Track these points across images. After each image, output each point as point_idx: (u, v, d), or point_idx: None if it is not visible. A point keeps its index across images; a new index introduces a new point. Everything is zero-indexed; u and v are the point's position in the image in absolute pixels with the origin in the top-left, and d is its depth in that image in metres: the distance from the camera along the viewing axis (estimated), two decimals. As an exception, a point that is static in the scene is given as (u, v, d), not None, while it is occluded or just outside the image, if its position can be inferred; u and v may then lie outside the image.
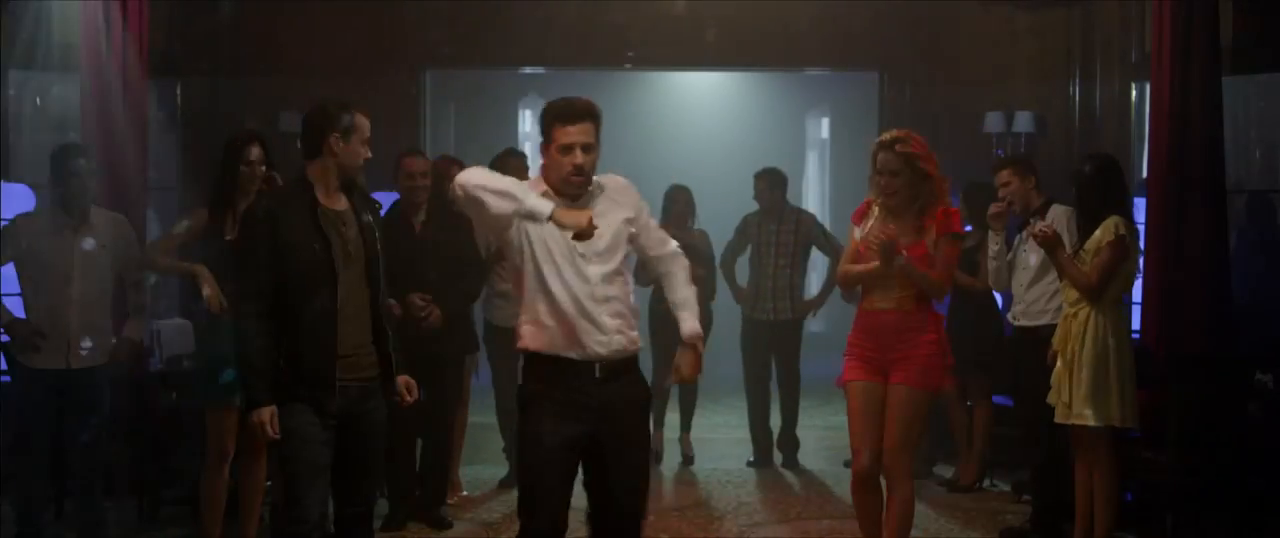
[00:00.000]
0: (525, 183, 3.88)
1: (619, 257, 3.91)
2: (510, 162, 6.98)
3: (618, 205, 3.95)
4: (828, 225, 8.49)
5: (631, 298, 3.97)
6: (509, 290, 6.79)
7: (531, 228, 3.82)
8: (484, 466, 7.25)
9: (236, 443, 5.32)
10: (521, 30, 8.21)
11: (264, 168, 5.28)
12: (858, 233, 4.90)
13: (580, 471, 3.95)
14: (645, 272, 4.21)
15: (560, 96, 3.92)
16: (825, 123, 13.18)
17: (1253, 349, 6.21)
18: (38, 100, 7.86)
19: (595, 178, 3.93)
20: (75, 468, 5.50)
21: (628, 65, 9.29)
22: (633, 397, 3.98)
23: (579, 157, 3.82)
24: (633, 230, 3.96)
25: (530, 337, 3.92)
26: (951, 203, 4.96)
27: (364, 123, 4.18)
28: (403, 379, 4.34)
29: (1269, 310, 6.65)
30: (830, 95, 12.45)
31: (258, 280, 4.05)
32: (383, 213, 6.08)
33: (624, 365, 3.93)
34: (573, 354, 3.85)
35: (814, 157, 13.24)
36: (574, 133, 3.83)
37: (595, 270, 3.85)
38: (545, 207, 3.73)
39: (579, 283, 3.84)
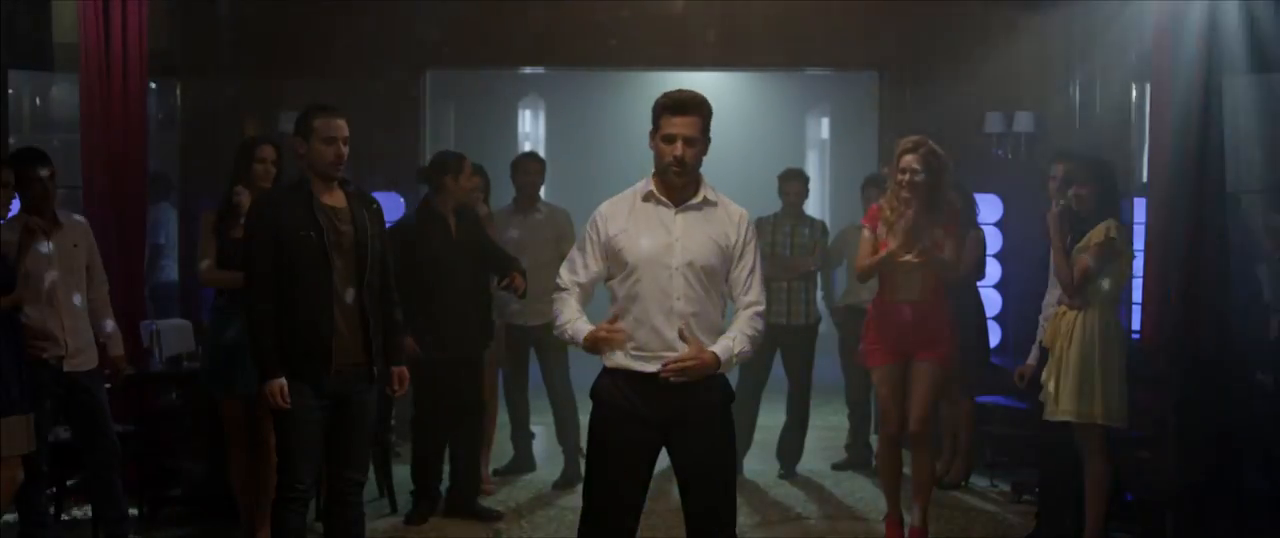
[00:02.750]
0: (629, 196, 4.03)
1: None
2: (529, 165, 7.12)
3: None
4: (828, 223, 8.46)
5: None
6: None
7: None
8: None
9: (249, 434, 5.50)
10: (521, 30, 8.20)
11: (276, 169, 5.48)
12: (868, 232, 5.54)
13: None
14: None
15: (674, 88, 4.00)
16: (825, 123, 13.17)
17: (1253, 349, 6.20)
18: (38, 100, 7.87)
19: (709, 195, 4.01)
20: (89, 474, 5.54)
21: (627, 65, 9.29)
22: None
23: (679, 148, 3.88)
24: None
25: None
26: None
27: (325, 124, 4.48)
28: (398, 371, 4.75)
29: (1269, 310, 6.65)
30: (830, 95, 12.45)
31: (261, 268, 4.45)
32: (402, 214, 6.36)
33: None
34: None
35: (814, 156, 13.24)
36: (678, 124, 3.91)
37: None
38: (580, 333, 3.94)
39: None
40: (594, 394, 4.04)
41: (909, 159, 5.36)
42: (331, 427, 4.57)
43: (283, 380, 4.39)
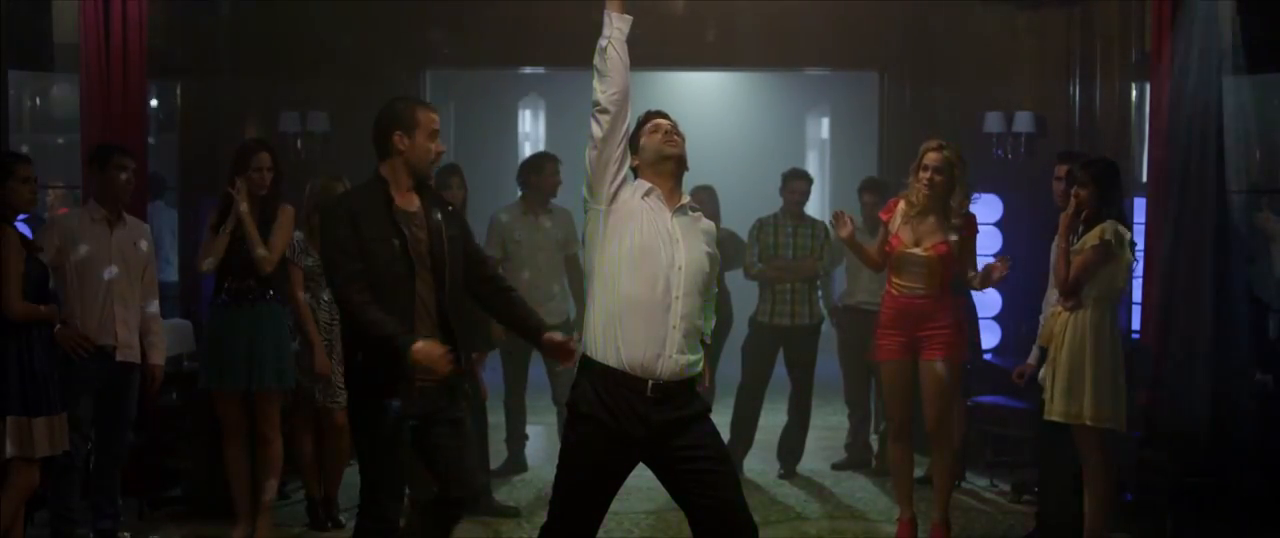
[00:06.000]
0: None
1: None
2: (545, 165, 7.14)
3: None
4: (828, 223, 8.44)
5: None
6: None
7: None
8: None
9: (246, 429, 5.66)
10: (521, 30, 8.19)
11: (272, 175, 5.57)
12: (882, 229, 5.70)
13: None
14: None
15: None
16: (825, 123, 13.17)
17: (1253, 349, 6.20)
18: (38, 100, 7.87)
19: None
20: (97, 464, 5.63)
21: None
22: None
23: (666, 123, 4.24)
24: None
25: None
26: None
27: (427, 117, 4.18)
28: (563, 342, 4.28)
29: (1268, 311, 6.65)
30: (830, 95, 12.45)
31: (355, 265, 4.01)
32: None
33: None
34: None
35: (814, 156, 13.24)
36: (664, 119, 4.28)
37: None
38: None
39: None
40: (572, 405, 3.86)
41: (933, 157, 5.54)
42: (430, 449, 4.18)
43: (434, 344, 3.94)
